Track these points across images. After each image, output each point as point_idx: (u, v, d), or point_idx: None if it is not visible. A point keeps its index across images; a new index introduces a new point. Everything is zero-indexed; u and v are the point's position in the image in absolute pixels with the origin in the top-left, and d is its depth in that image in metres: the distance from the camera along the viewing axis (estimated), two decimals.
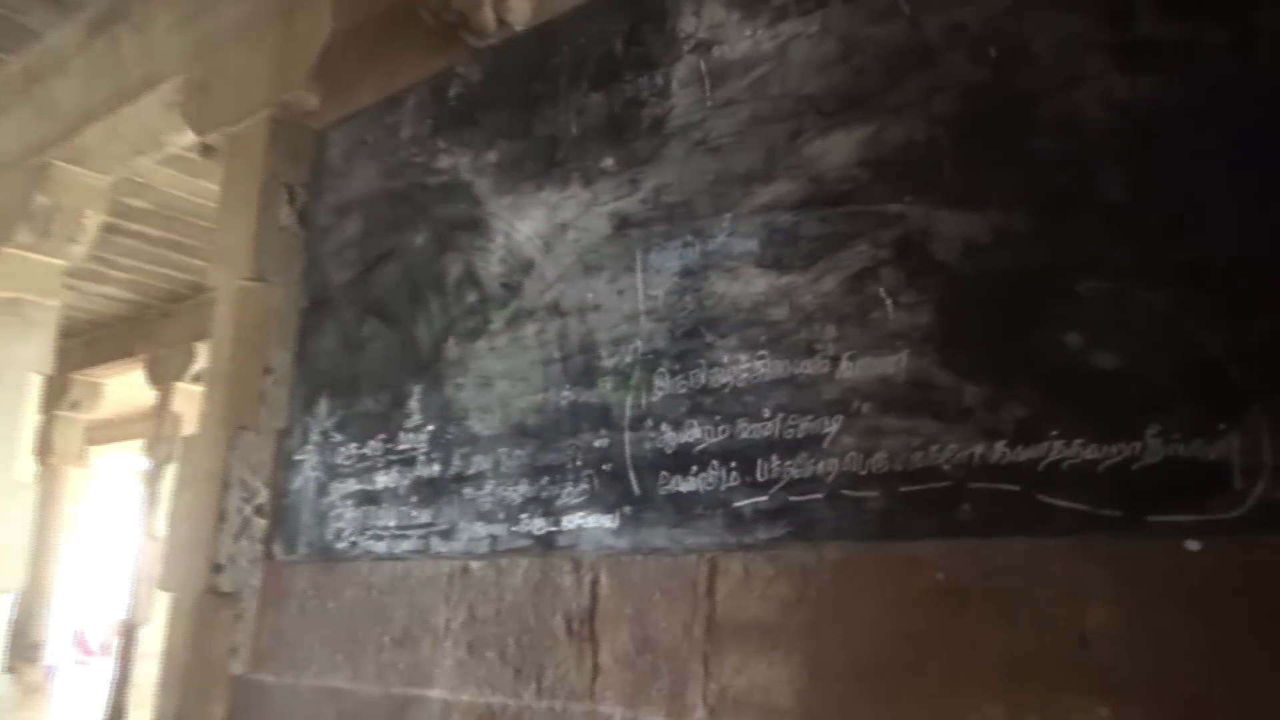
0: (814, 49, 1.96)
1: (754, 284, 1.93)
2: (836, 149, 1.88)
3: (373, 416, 2.67)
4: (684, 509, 1.93)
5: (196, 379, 6.93)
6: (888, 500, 1.67)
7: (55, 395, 7.76)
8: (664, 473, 1.97)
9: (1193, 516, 1.38)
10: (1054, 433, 1.52)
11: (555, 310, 2.28)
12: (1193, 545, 1.38)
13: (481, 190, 2.54)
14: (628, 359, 2.10)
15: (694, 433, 1.94)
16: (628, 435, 2.06)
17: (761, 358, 1.88)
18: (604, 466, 2.08)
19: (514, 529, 2.22)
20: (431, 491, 2.44)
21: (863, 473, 1.70)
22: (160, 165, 4.95)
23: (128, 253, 6.35)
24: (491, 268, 2.47)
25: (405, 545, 2.47)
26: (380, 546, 2.53)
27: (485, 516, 2.29)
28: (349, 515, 2.64)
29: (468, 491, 2.35)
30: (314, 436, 2.83)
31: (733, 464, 1.87)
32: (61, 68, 4.30)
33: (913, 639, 1.61)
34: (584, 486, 2.11)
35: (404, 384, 2.60)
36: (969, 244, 1.67)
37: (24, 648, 8.10)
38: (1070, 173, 1.60)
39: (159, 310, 7.45)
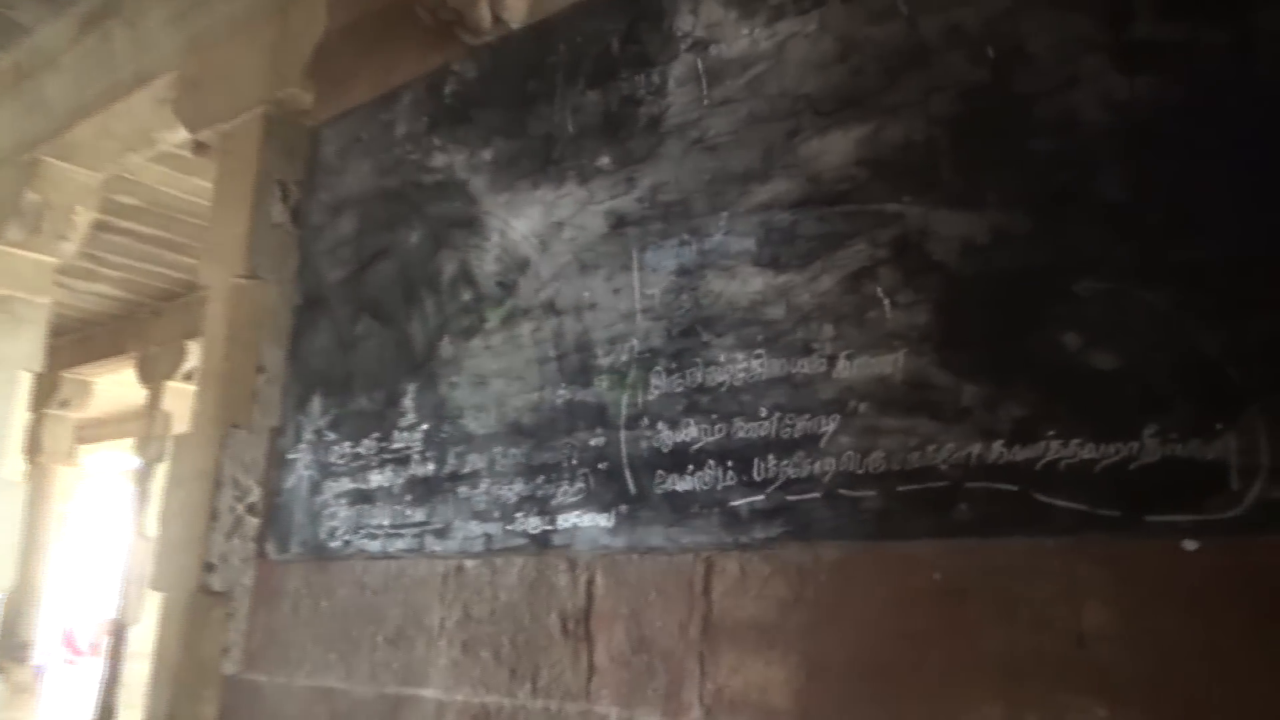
0: (811, 48, 1.96)
1: (751, 283, 1.93)
2: (834, 148, 1.87)
3: (367, 415, 2.65)
4: (680, 508, 1.92)
5: (187, 377, 6.90)
6: (885, 500, 1.67)
7: (45, 393, 7.71)
8: (660, 472, 1.97)
9: (1190, 516, 1.38)
10: (1052, 432, 1.52)
11: (551, 309, 2.27)
12: (1190, 545, 1.38)
13: (477, 188, 2.53)
14: (624, 358, 2.09)
15: (690, 432, 1.94)
16: (624, 434, 2.05)
17: (758, 357, 1.88)
18: (600, 465, 2.08)
19: (509, 528, 2.21)
20: (426, 490, 2.43)
21: (860, 472, 1.70)
22: (152, 162, 4.92)
23: (119, 250, 6.31)
24: (487, 266, 2.46)
25: (399, 544, 2.46)
26: (374, 545, 2.52)
27: (480, 515, 2.28)
28: (343, 514, 2.63)
29: (462, 490, 2.34)
30: (307, 435, 2.82)
31: (729, 463, 1.87)
32: (52, 63, 4.28)
33: (910, 639, 1.60)
34: (580, 485, 2.10)
35: (398, 382, 2.59)
36: (967, 244, 1.67)
37: (12, 647, 8.06)
38: (1068, 173, 1.60)
39: (150, 308, 7.41)
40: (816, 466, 1.75)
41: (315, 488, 2.74)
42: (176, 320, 7.19)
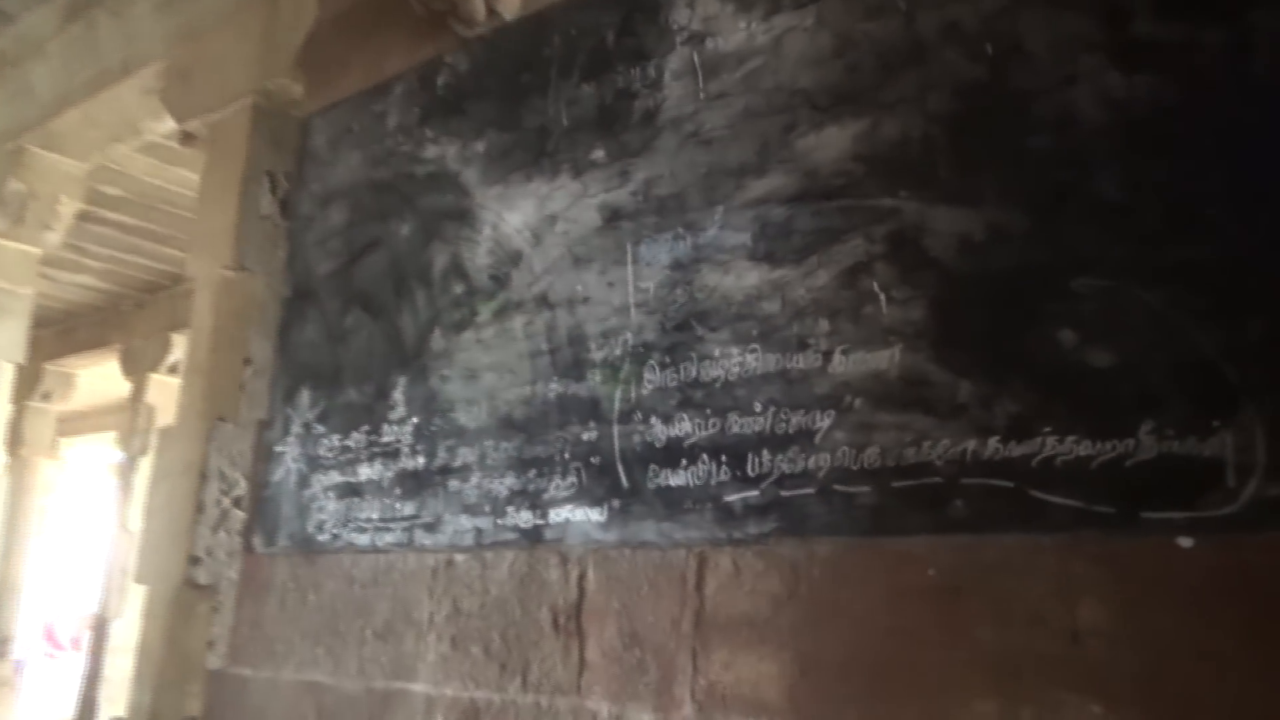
0: (808, 43, 1.95)
1: (746, 277, 1.92)
2: (830, 143, 1.87)
3: (356, 408, 2.63)
4: (673, 503, 1.91)
5: (172, 370, 6.85)
6: (880, 496, 1.66)
7: (27, 385, 7.63)
8: (653, 466, 1.96)
9: (1186, 513, 1.38)
10: (1047, 429, 1.51)
11: (544, 302, 2.26)
12: (1185, 542, 1.38)
13: (469, 181, 2.52)
14: (617, 352, 2.08)
15: (684, 426, 1.93)
16: (617, 428, 2.04)
17: (753, 351, 1.87)
18: (592, 459, 2.07)
19: (500, 522, 2.20)
20: (416, 484, 2.42)
21: (855, 468, 1.69)
22: (138, 153, 4.88)
23: (103, 241, 6.26)
24: (479, 259, 2.44)
25: (388, 538, 2.44)
26: (363, 539, 2.51)
27: (471, 509, 2.27)
28: (331, 507, 2.61)
29: (453, 484, 2.33)
30: (295, 428, 2.80)
31: (723, 458, 1.86)
32: (38, 51, 4.23)
33: (904, 635, 1.60)
34: (572, 479, 2.09)
35: (388, 375, 2.57)
36: (963, 240, 1.67)
37: None
38: (1066, 171, 1.60)
39: (134, 300, 7.35)
40: (811, 462, 1.74)
41: (303, 481, 2.72)
42: (161, 312, 7.13)
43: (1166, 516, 1.40)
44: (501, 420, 2.27)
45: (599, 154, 2.23)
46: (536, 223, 2.32)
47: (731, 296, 1.93)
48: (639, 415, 2.01)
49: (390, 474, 2.48)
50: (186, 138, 3.65)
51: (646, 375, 2.02)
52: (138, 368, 7.26)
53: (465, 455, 2.32)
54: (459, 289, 2.46)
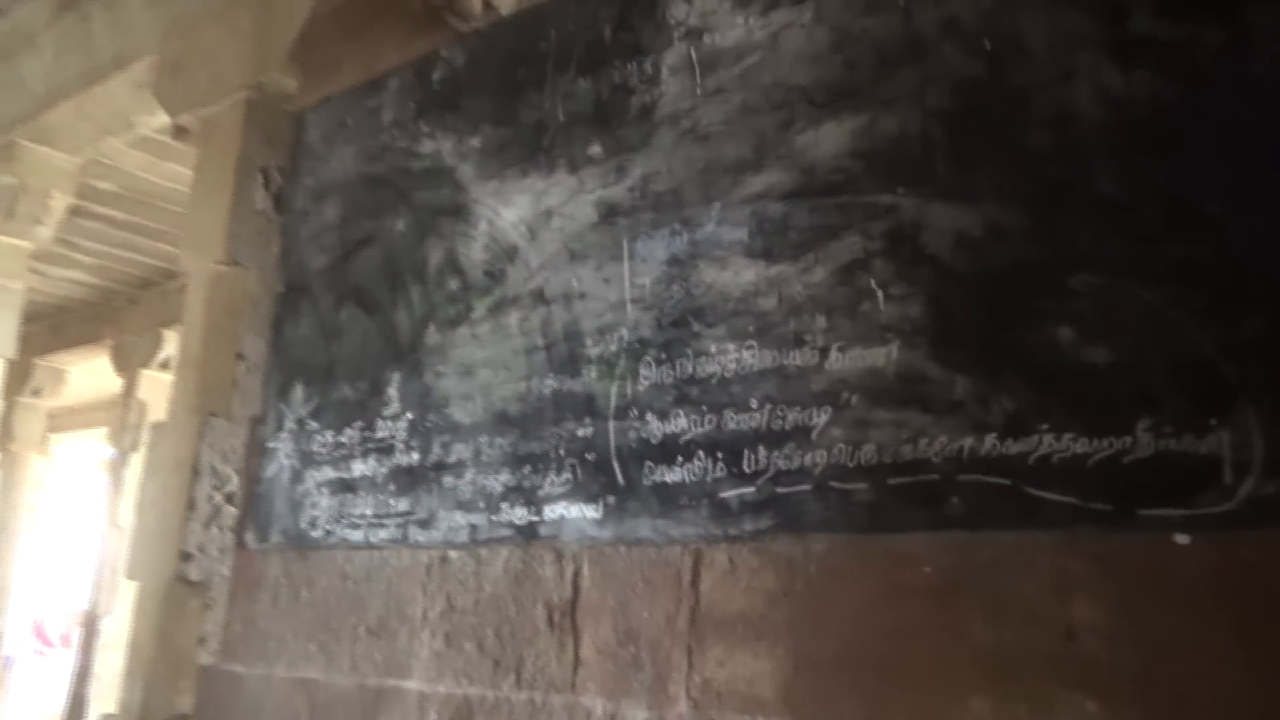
0: (806, 39, 1.94)
1: (743, 274, 1.92)
2: (828, 139, 1.86)
3: (350, 404, 2.62)
4: (669, 500, 1.91)
5: (163, 366, 6.81)
6: (876, 493, 1.66)
7: (17, 381, 7.59)
8: (649, 463, 1.95)
9: (1182, 511, 1.39)
10: (1044, 426, 1.51)
11: (539, 298, 2.25)
12: (1182, 539, 1.38)
13: (465, 176, 2.51)
14: (613, 348, 2.08)
15: (680, 423, 1.93)
16: (612, 425, 2.03)
17: (749, 348, 1.87)
18: (587, 456, 2.06)
19: (494, 518, 2.19)
20: (410, 480, 2.41)
21: (851, 465, 1.69)
22: (130, 148, 4.84)
23: (95, 236, 6.22)
24: (474, 254, 2.43)
25: (382, 534, 2.43)
26: (356, 535, 2.49)
27: (465, 506, 2.26)
28: (324, 503, 2.60)
29: (447, 480, 2.32)
30: (289, 424, 2.78)
31: (719, 455, 1.86)
32: (29, 44, 4.20)
33: (899, 632, 1.60)
34: (567, 476, 2.08)
35: (383, 371, 2.56)
36: (961, 237, 1.67)
37: None
38: (1064, 168, 1.60)
39: (126, 296, 7.31)
40: (807, 459, 1.74)
41: (296, 477, 2.71)
42: (153, 308, 7.09)
43: (1163, 514, 1.40)
44: (496, 416, 2.26)
45: (596, 150, 2.22)
46: (532, 218, 2.31)
47: (728, 293, 1.93)
48: (635, 411, 2.00)
49: (384, 470, 2.47)
50: (179, 132, 3.63)
51: (642, 371, 2.01)
52: (129, 363, 7.22)
53: (460, 451, 2.31)
54: (454, 285, 2.45)
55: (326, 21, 3.05)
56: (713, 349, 1.92)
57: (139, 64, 3.73)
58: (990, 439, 1.56)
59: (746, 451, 1.82)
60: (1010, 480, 1.53)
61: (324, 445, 2.65)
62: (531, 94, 2.40)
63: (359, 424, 2.57)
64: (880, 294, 1.73)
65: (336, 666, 2.43)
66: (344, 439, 2.60)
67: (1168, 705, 1.36)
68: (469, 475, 2.27)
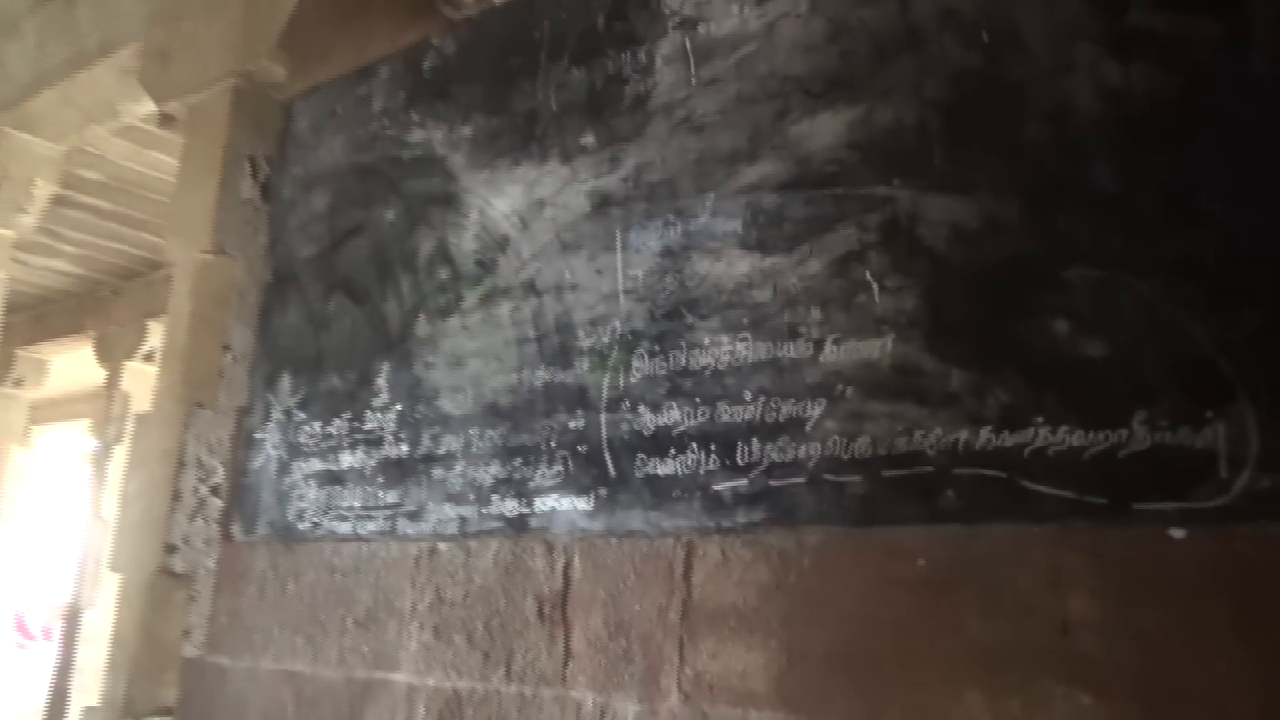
0: (802, 29, 1.93)
1: (737, 265, 1.90)
2: (823, 130, 1.85)
3: (338, 395, 2.60)
4: (661, 492, 1.89)
5: (147, 358, 6.75)
6: (870, 485, 1.65)
7: None
8: (641, 455, 1.94)
9: (1178, 505, 1.38)
10: (1040, 419, 1.51)
11: (531, 289, 2.23)
12: (1177, 533, 1.38)
13: (456, 165, 2.48)
14: (605, 339, 2.06)
15: (673, 415, 1.91)
16: (604, 417, 2.02)
17: (743, 340, 1.85)
18: (579, 448, 2.04)
19: (484, 510, 2.17)
20: (399, 472, 2.39)
21: (845, 457, 1.68)
22: (115, 136, 4.80)
23: (79, 226, 6.15)
24: (465, 244, 2.41)
25: (370, 526, 2.41)
26: (344, 527, 2.47)
27: (455, 498, 2.24)
28: (312, 495, 2.58)
29: (437, 472, 2.30)
30: (276, 414, 2.76)
31: (712, 447, 1.84)
32: (12, 30, 4.15)
33: (893, 626, 1.59)
34: (558, 468, 2.07)
35: (371, 362, 2.54)
36: (957, 229, 1.66)
37: None
38: (1061, 160, 1.59)
39: (110, 286, 7.24)
40: (801, 451, 1.73)
41: (284, 468, 2.68)
42: (137, 299, 7.03)
43: (1159, 507, 1.40)
44: (487, 408, 2.24)
45: (589, 139, 2.20)
46: (524, 208, 2.29)
47: (722, 284, 1.91)
48: (627, 404, 1.99)
49: (373, 461, 2.45)
50: (165, 120, 3.59)
51: (635, 363, 2.00)
52: (113, 355, 7.16)
53: (450, 443, 2.29)
54: (444, 275, 2.43)
55: (315, 8, 3.02)
56: (706, 341, 1.90)
57: (125, 50, 3.69)
58: (985, 432, 1.55)
59: (740, 444, 1.81)
60: (1005, 473, 1.52)
61: (312, 436, 2.63)
62: (524, 83, 2.38)
63: (347, 415, 2.55)
64: (875, 286, 1.72)
65: (324, 659, 2.41)
66: (332, 430, 2.58)
67: (1163, 699, 1.35)
68: (459, 467, 2.25)
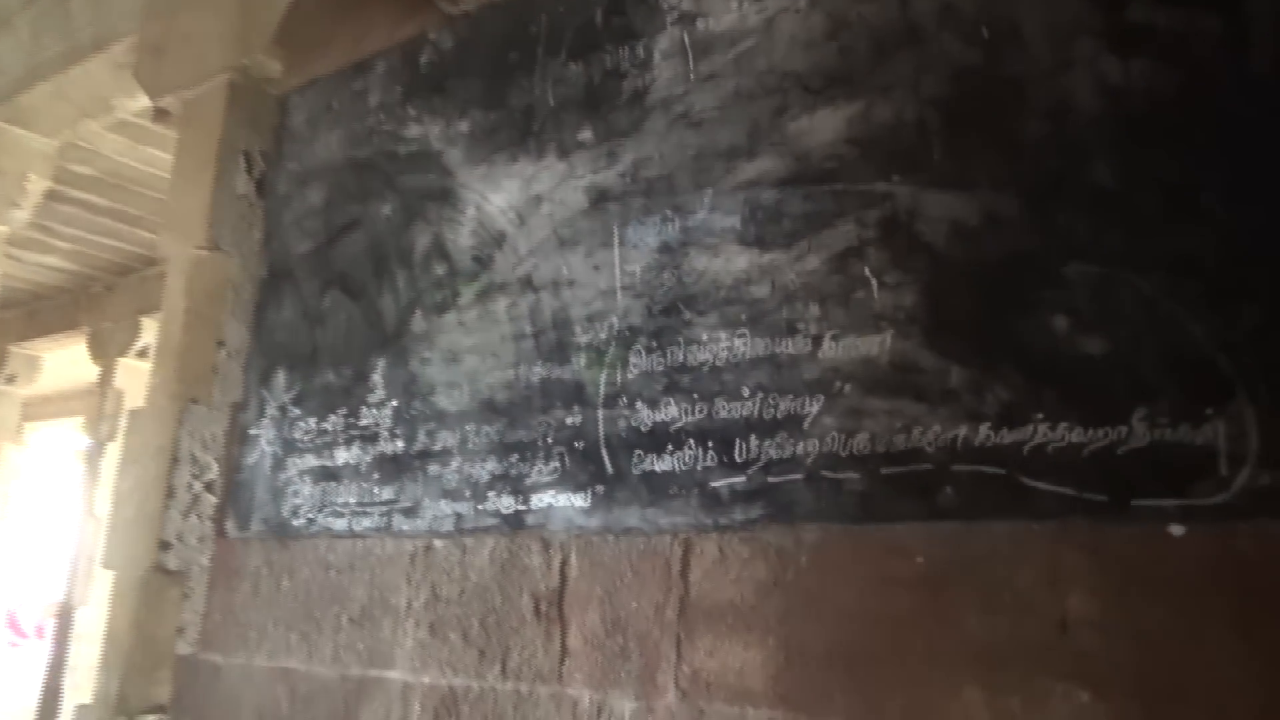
0: (801, 24, 1.92)
1: (735, 261, 1.90)
2: (822, 126, 1.85)
3: (333, 390, 2.59)
4: (658, 489, 1.89)
5: (141, 354, 6.73)
6: (869, 482, 1.65)
7: None
8: (638, 452, 1.93)
9: (1177, 501, 1.38)
10: (1039, 416, 1.50)
11: (528, 284, 2.22)
12: (1177, 530, 1.38)
13: (452, 160, 2.47)
14: (603, 335, 2.05)
15: (670, 411, 1.91)
16: (601, 413, 2.01)
17: (741, 336, 1.85)
18: (576, 445, 2.04)
19: (481, 507, 2.17)
20: (394, 468, 2.38)
21: (844, 454, 1.68)
22: (109, 131, 4.77)
23: (72, 222, 6.12)
24: (461, 240, 2.40)
25: (366, 523, 2.40)
26: (339, 524, 2.46)
27: (451, 494, 2.23)
28: (307, 492, 2.56)
29: (433, 469, 2.29)
30: (271, 410, 2.74)
31: (710, 443, 1.84)
32: (6, 23, 4.12)
33: (891, 623, 1.59)
34: (555, 465, 2.06)
35: (367, 358, 2.52)
36: (956, 225, 1.66)
37: None
38: (1060, 156, 1.59)
39: (103, 283, 7.21)
40: (799, 448, 1.73)
41: (278, 464, 2.67)
42: (131, 295, 7.00)
43: (1158, 504, 1.39)
44: (483, 404, 2.23)
45: (586, 134, 2.19)
46: (521, 204, 2.29)
47: (720, 280, 1.91)
48: (624, 400, 1.98)
49: (368, 458, 2.44)
50: (160, 115, 3.57)
51: (632, 359, 1.99)
52: (106, 351, 7.13)
53: (446, 439, 2.28)
54: (441, 270, 2.42)
55: (311, 3, 3.00)
56: (704, 337, 1.90)
57: (119, 45, 3.67)
58: (984, 429, 1.55)
59: (738, 440, 1.80)
60: (1004, 470, 1.52)
61: (307, 432, 2.61)
62: (521, 78, 2.37)
63: (343, 411, 2.54)
64: (874, 282, 1.71)
65: (318, 656, 2.40)
66: (327, 426, 2.56)
67: (1162, 696, 1.35)
68: (455, 463, 2.24)
